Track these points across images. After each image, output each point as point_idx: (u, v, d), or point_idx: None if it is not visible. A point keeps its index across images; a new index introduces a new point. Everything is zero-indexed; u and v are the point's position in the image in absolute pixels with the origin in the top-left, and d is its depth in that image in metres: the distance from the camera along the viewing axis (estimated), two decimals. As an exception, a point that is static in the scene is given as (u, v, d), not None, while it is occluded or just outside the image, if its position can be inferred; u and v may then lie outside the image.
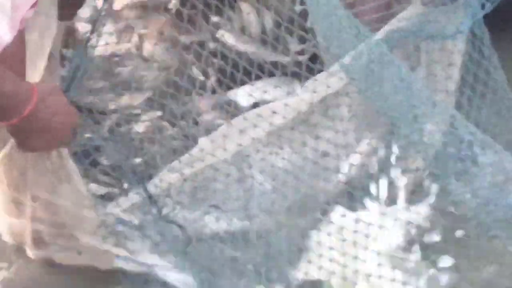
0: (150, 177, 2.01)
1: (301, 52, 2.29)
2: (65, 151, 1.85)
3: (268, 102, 2.11)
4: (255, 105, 2.19)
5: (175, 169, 1.99)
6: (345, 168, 2.08)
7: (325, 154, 2.09)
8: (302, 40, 2.27)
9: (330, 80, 2.03)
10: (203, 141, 2.03)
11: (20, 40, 1.62)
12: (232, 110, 2.23)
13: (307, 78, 2.11)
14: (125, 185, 2.02)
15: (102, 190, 2.07)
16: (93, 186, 2.04)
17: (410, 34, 2.04)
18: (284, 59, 2.29)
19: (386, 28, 2.05)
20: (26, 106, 1.65)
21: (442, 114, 1.89)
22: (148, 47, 2.34)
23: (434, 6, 2.03)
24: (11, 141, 1.84)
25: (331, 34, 1.93)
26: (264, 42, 2.33)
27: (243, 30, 2.37)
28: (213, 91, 2.29)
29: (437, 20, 1.98)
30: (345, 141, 2.09)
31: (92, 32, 1.86)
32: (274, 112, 2.02)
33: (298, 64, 2.22)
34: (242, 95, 2.27)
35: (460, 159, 1.82)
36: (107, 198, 2.03)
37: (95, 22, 1.87)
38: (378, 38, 1.96)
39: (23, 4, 1.53)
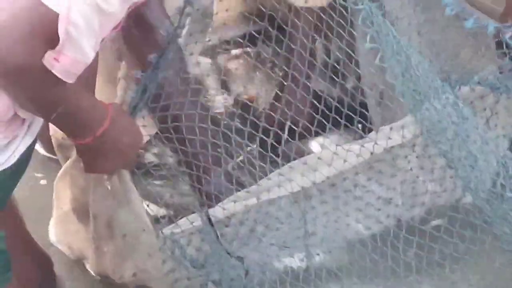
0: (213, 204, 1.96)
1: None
2: (125, 173, 1.80)
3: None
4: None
5: (238, 199, 1.93)
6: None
7: (388, 201, 2.05)
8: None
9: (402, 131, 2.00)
10: (272, 175, 1.96)
11: (95, 59, 1.58)
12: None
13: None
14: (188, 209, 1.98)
15: (161, 211, 2.02)
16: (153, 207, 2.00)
17: (489, 87, 2.05)
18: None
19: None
20: (101, 125, 1.61)
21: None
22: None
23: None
24: (72, 160, 1.79)
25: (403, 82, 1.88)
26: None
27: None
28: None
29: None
30: (408, 190, 2.05)
31: (161, 55, 1.81)
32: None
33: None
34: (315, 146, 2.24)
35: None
36: (166, 220, 1.98)
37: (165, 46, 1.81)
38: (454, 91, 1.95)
39: (108, 25, 1.49)
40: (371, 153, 1.99)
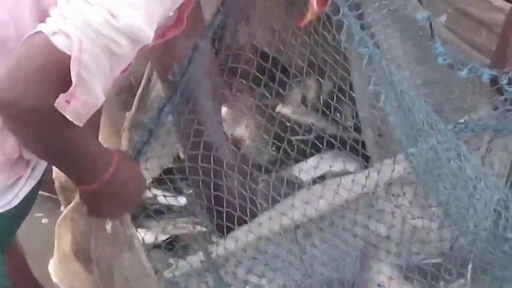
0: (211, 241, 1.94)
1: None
2: (127, 218, 1.77)
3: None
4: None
5: (237, 237, 1.92)
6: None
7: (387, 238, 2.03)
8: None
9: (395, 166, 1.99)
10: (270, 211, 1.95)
11: None
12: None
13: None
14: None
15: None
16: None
17: (483, 127, 2.05)
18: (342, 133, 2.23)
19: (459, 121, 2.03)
20: (106, 171, 1.57)
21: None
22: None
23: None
24: (73, 204, 1.77)
25: (400, 120, 1.88)
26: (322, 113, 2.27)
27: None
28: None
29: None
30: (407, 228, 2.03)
31: (168, 99, 1.80)
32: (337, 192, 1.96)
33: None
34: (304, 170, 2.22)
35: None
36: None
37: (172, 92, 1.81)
38: (450, 129, 1.94)
39: (118, 67, 1.46)
40: (372, 193, 1.99)
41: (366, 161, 2.22)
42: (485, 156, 2.10)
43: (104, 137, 2.07)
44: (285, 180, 2.07)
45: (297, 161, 2.20)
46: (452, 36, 2.22)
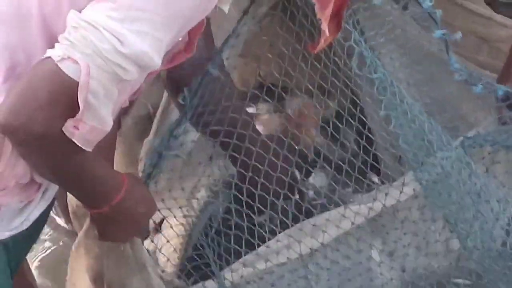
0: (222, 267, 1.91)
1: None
2: (138, 241, 1.75)
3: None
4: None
5: (248, 262, 1.89)
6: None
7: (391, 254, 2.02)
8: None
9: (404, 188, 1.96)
10: (280, 236, 1.93)
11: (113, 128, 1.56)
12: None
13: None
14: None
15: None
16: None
17: (488, 142, 2.00)
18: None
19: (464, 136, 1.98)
20: (117, 194, 1.56)
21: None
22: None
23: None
24: (85, 229, 1.75)
25: (410, 141, 1.86)
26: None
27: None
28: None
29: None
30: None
31: (178, 123, 1.79)
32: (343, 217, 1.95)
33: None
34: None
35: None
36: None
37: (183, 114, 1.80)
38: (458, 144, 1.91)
39: (126, 92, 1.47)
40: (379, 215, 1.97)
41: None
42: (489, 167, 2.07)
43: (121, 168, 2.04)
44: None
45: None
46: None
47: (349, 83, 2.10)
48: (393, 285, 2.02)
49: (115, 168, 1.91)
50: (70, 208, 1.92)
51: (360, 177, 2.06)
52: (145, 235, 1.77)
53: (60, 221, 2.49)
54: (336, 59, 2.02)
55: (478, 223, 1.91)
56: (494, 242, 1.94)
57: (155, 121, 2.13)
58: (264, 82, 2.19)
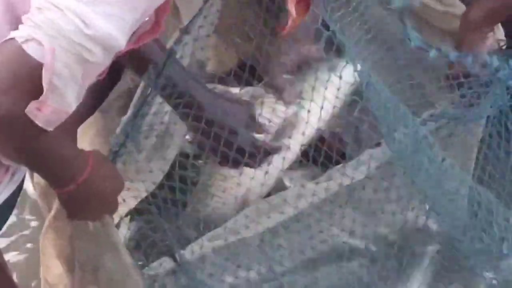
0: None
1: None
2: (108, 219, 1.75)
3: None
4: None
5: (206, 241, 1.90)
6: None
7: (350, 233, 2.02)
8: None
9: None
10: (240, 215, 1.94)
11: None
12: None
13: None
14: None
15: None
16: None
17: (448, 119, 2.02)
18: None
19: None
20: (83, 173, 1.55)
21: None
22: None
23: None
24: (53, 213, 1.75)
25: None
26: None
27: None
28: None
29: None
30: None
31: (142, 102, 1.78)
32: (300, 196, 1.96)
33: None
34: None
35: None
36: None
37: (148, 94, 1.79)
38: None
39: (91, 74, 1.44)
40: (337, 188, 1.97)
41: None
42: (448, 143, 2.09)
43: (99, 144, 2.03)
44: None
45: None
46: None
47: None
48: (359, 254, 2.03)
49: (93, 144, 1.90)
50: (38, 189, 1.91)
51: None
52: (114, 211, 1.75)
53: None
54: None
55: (443, 193, 1.93)
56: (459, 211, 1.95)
57: (135, 97, 2.09)
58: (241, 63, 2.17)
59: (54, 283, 1.78)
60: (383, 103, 1.80)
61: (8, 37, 1.37)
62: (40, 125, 1.39)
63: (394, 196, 2.00)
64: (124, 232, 2.01)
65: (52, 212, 1.74)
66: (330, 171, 2.01)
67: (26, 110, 1.36)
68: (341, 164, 2.01)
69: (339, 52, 1.82)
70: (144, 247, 1.98)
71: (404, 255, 2.00)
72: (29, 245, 2.50)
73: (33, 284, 2.33)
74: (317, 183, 1.98)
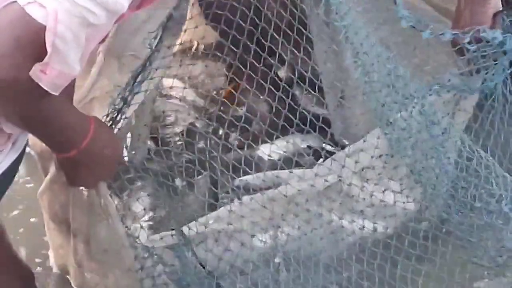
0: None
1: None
2: (103, 187, 1.70)
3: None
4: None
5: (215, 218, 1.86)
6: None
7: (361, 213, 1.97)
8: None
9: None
10: (245, 199, 1.88)
11: None
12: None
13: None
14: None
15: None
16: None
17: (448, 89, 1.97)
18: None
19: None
20: (84, 138, 1.52)
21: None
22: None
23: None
24: (51, 175, 1.70)
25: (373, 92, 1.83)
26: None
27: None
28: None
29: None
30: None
31: (142, 67, 1.73)
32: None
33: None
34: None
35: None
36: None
37: (147, 59, 1.74)
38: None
39: (94, 38, 1.39)
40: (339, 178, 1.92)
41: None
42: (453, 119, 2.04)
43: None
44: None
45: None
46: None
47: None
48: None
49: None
50: (34, 151, 1.87)
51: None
52: (112, 178, 1.72)
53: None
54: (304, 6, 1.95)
55: (439, 171, 1.91)
56: (455, 191, 1.94)
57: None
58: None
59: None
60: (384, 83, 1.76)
61: (10, 0, 1.31)
62: (46, 88, 1.34)
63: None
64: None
65: (49, 177, 1.70)
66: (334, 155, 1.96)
67: (30, 73, 1.32)
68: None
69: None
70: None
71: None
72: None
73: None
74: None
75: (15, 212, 2.33)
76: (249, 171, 1.90)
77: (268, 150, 2.16)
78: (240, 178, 2.06)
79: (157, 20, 1.76)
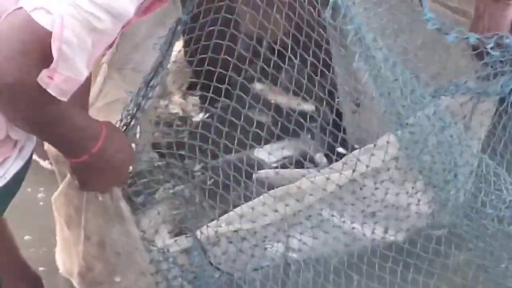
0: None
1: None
2: (117, 192, 1.69)
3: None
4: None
5: (227, 221, 1.84)
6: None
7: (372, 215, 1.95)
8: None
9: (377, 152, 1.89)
10: (260, 199, 1.86)
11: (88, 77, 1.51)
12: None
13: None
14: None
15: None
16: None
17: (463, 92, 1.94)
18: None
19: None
20: (95, 143, 1.51)
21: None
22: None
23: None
24: (67, 179, 1.71)
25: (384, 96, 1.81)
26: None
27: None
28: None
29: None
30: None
31: (153, 73, 1.73)
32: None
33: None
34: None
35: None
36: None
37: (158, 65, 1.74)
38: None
39: (101, 43, 1.40)
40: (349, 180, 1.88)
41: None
42: (469, 124, 2.01)
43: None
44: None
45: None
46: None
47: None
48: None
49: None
50: (50, 155, 1.88)
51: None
52: (125, 183, 1.71)
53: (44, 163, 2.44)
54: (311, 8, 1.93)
55: (451, 175, 1.88)
56: (467, 195, 1.91)
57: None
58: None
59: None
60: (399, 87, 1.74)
61: (17, 6, 1.32)
62: (53, 94, 1.34)
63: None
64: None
65: (65, 181, 1.70)
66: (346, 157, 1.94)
67: (38, 78, 1.32)
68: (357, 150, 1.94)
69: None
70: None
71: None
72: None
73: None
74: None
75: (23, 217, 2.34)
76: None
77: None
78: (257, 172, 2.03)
79: (157, 37, 1.75)
